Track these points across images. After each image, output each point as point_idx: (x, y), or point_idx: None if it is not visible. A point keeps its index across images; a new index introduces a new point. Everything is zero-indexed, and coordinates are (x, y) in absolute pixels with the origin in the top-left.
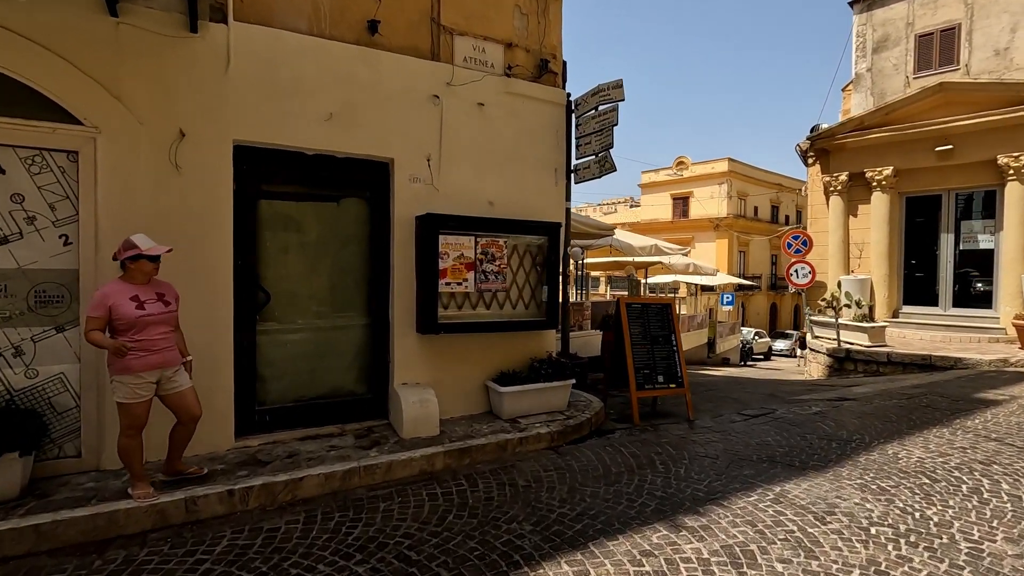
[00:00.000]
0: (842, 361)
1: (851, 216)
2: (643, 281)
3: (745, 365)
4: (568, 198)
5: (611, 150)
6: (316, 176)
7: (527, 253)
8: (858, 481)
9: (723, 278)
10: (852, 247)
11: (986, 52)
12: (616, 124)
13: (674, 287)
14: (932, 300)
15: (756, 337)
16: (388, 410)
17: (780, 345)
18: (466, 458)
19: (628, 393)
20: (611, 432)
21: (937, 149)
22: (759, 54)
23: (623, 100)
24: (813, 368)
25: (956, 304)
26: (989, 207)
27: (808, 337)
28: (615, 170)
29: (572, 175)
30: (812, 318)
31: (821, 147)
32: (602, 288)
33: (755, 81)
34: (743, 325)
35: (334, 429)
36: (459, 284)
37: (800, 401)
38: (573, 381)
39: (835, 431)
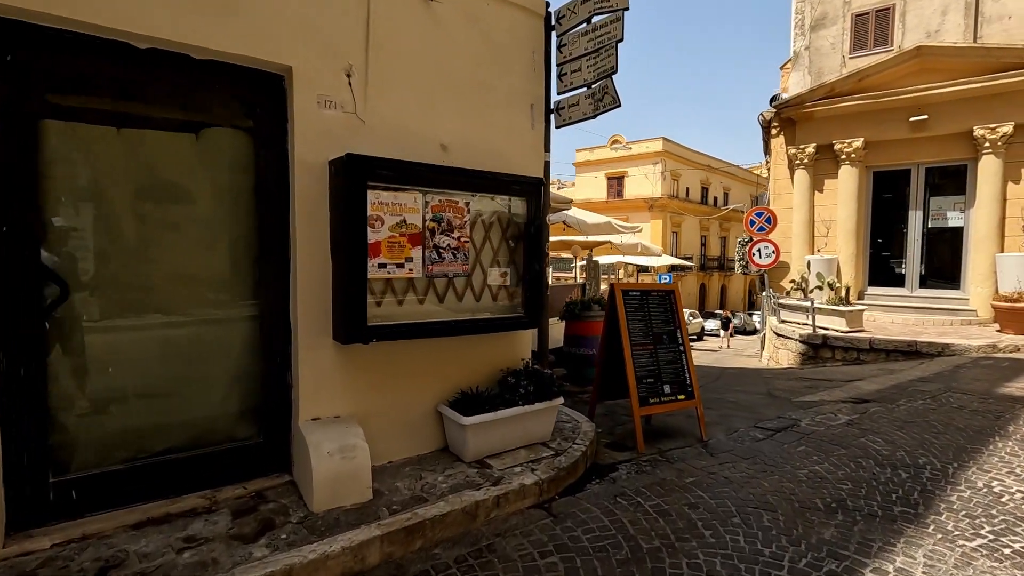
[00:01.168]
0: (818, 348)
1: (817, 192)
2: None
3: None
4: (547, 147)
5: (614, 76)
6: (156, 87)
7: (496, 221)
8: (979, 542)
9: (667, 259)
10: (818, 224)
11: (918, 34)
12: (621, 40)
13: (616, 268)
14: (897, 280)
15: (690, 318)
16: (291, 460)
17: (711, 325)
18: (417, 540)
19: (613, 403)
20: (612, 469)
21: (911, 119)
22: (697, 32)
23: (627, 9)
24: (783, 355)
25: (923, 285)
26: (959, 183)
27: (773, 322)
28: (618, 105)
29: (553, 115)
30: (780, 301)
31: (787, 116)
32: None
33: (691, 59)
34: None
35: (199, 501)
36: (400, 266)
37: (812, 405)
38: (561, 400)
39: (890, 452)
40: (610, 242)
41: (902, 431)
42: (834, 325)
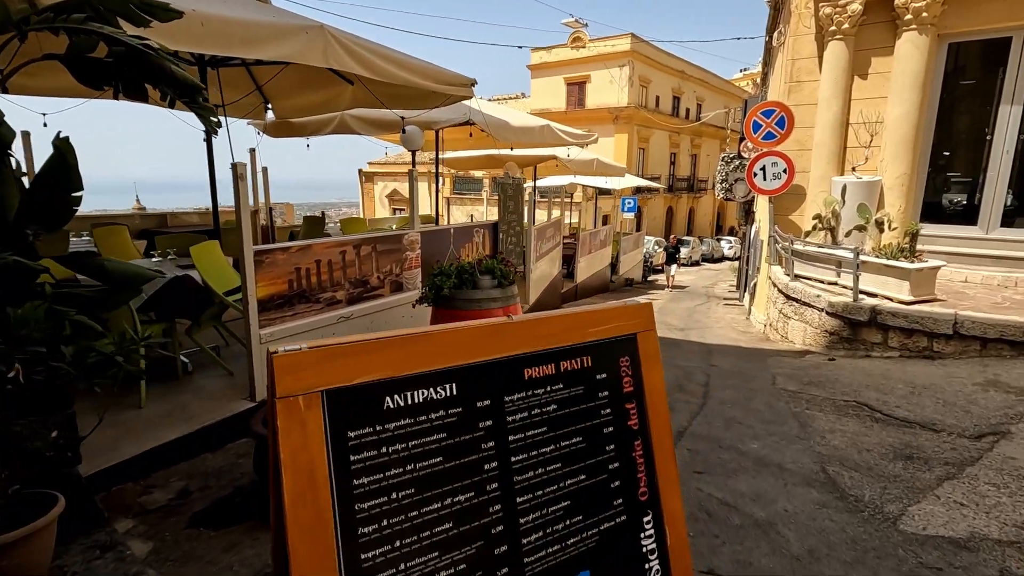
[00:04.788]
0: (859, 326)
1: (858, 78)
2: (530, 184)
3: (645, 282)
4: None
5: None
6: None
7: None
8: None
9: (631, 179)
10: (856, 129)
11: None
12: None
13: (569, 191)
14: (964, 215)
15: (656, 247)
16: None
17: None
18: None
19: None
20: None
21: None
22: None
23: None
24: (795, 330)
25: (1007, 222)
26: None
27: (778, 274)
28: None
29: None
30: (796, 246)
31: None
32: (485, 193)
33: None
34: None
35: None
36: None
37: None
38: None
39: None
40: (556, 157)
41: None
42: (888, 289)
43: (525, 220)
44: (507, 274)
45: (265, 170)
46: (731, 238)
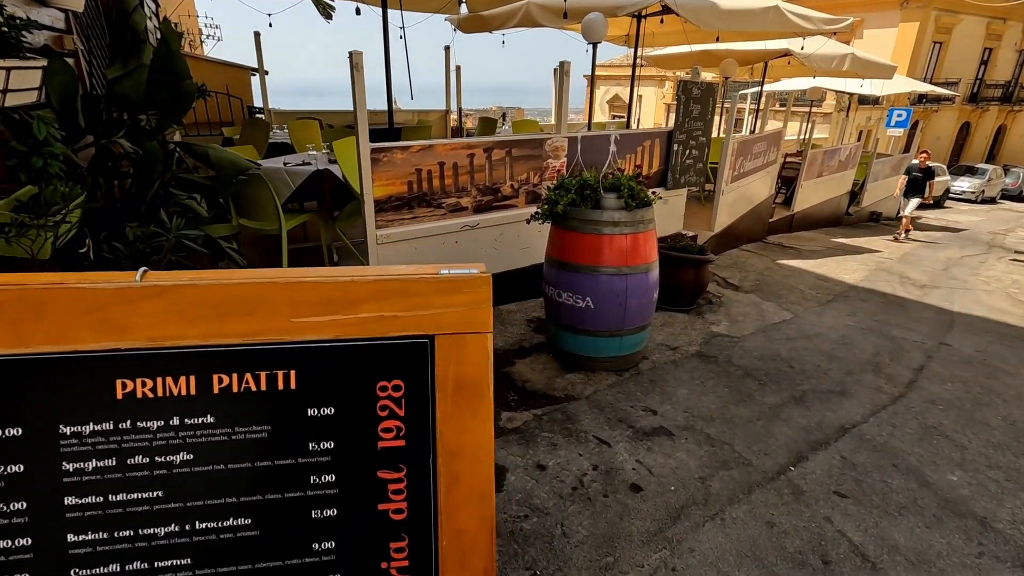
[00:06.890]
0: None
1: None
2: (756, 90)
3: (899, 218)
4: None
5: None
6: None
7: None
8: None
9: (900, 83)
10: None
11: None
12: None
13: (814, 97)
14: None
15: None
16: None
17: (962, 185)
18: None
19: None
20: None
21: None
22: None
23: None
24: None
25: None
26: None
27: None
28: None
29: None
30: None
31: None
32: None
33: None
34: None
35: None
36: None
37: None
38: None
39: None
40: (788, 52)
41: None
42: None
43: (732, 130)
44: (637, 193)
45: (458, 68)
46: None
